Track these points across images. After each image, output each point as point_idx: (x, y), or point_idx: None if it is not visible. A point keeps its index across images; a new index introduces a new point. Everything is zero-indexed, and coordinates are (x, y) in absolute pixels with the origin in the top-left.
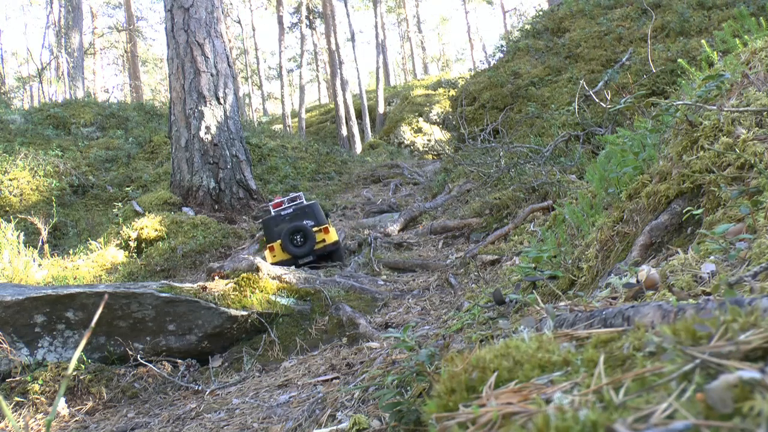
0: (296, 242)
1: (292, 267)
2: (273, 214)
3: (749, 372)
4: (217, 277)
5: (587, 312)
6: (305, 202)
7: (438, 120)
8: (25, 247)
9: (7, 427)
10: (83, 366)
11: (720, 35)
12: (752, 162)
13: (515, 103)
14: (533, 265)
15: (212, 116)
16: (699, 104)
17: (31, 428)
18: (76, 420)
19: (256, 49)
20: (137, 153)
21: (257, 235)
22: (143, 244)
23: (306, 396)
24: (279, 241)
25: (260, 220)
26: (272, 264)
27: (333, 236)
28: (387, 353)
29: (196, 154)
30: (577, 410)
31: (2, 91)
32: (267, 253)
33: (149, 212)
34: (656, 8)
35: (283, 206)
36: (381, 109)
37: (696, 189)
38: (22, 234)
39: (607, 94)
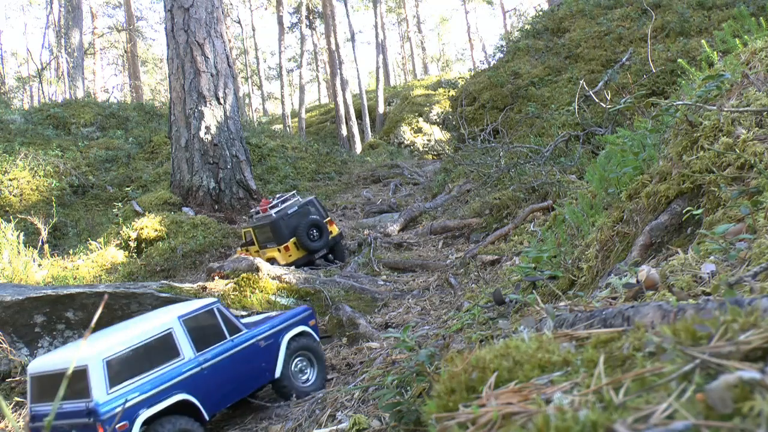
0: (312, 237)
1: (292, 267)
2: (275, 214)
3: (749, 372)
4: (217, 277)
5: (587, 312)
6: (302, 200)
7: (438, 120)
8: (25, 247)
9: (7, 427)
10: None
11: (720, 35)
12: (752, 162)
13: (515, 103)
14: (533, 265)
15: (212, 116)
16: (699, 104)
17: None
18: None
19: (256, 49)
20: (137, 153)
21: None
22: (143, 244)
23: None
24: (293, 240)
25: (261, 224)
26: (286, 264)
27: (336, 228)
28: (387, 353)
29: (196, 154)
30: (577, 410)
31: (2, 91)
32: (279, 254)
33: (149, 212)
34: (656, 8)
35: (282, 206)
36: (381, 109)
37: (696, 189)
38: (22, 234)
39: (607, 94)
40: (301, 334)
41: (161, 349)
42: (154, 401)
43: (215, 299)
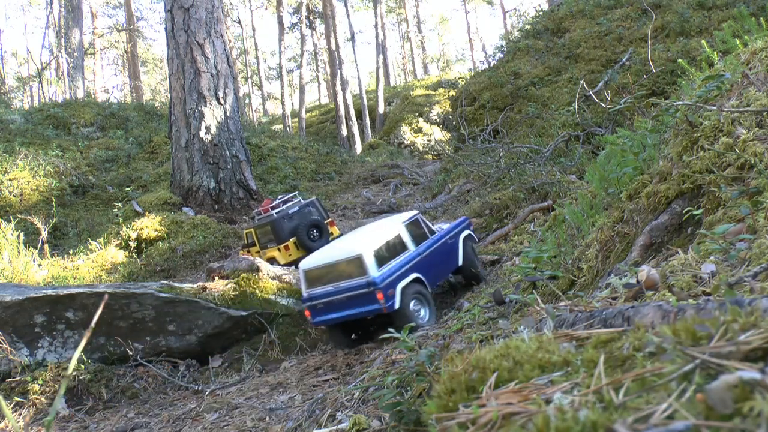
0: (313, 237)
1: (293, 267)
2: (276, 214)
3: (749, 372)
4: (217, 277)
5: (587, 312)
6: (303, 201)
7: (438, 120)
8: (25, 247)
9: (7, 427)
10: (83, 366)
11: (720, 35)
12: (752, 162)
13: (515, 103)
14: (533, 265)
15: (212, 116)
16: (699, 104)
17: (31, 428)
18: (76, 420)
19: (256, 49)
20: (137, 153)
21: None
22: (143, 244)
23: (306, 396)
24: (293, 240)
25: (262, 223)
26: (286, 264)
27: (337, 230)
28: (387, 353)
29: (196, 155)
30: (577, 410)
31: (2, 91)
32: (278, 253)
33: (149, 212)
34: (656, 8)
35: (284, 206)
36: (381, 109)
37: (696, 189)
38: (22, 234)
39: (607, 94)
40: (468, 236)
41: (398, 245)
42: (403, 276)
43: (417, 211)
